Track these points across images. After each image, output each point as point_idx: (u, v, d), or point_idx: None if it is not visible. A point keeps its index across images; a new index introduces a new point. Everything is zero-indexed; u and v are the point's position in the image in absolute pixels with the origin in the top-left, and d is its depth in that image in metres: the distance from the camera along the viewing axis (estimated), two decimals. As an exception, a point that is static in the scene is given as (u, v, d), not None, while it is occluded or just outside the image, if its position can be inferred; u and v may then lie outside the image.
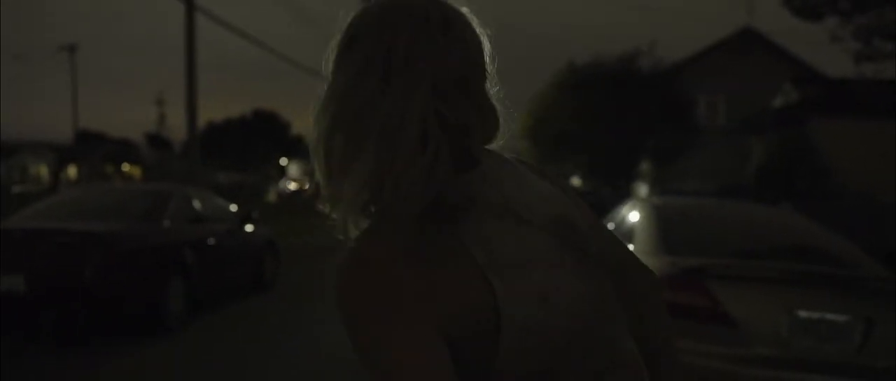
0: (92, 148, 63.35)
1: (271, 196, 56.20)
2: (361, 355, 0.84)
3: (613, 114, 19.28)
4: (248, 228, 8.41)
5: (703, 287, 3.40)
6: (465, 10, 0.95)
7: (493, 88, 0.97)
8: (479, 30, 0.95)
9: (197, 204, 7.39)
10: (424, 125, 0.84)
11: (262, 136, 63.31)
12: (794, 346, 3.25)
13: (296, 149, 64.33)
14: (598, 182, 22.40)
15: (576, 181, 27.64)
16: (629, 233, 4.66)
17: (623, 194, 14.18)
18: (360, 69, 0.87)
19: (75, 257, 5.54)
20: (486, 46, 0.96)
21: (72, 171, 63.49)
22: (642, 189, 22.29)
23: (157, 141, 69.21)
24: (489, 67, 0.96)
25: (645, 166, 22.47)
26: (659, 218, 4.39)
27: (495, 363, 0.86)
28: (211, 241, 7.26)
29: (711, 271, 3.47)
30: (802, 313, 3.28)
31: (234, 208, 8.64)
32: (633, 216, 4.84)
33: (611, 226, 5.53)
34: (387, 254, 0.86)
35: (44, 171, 72.96)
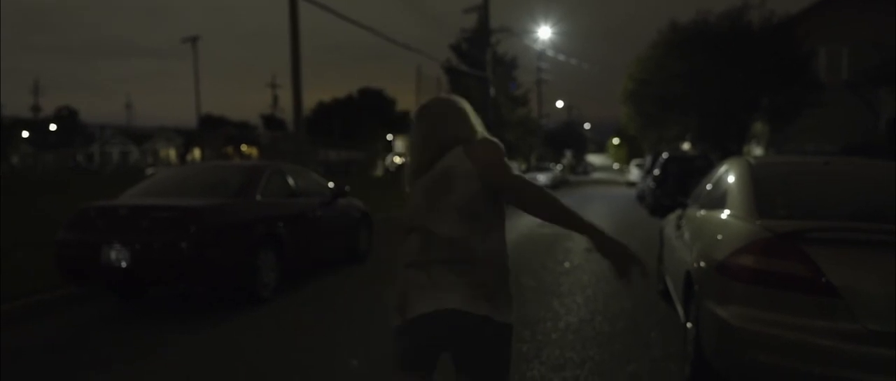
0: (214, 131, 67.22)
1: (379, 171, 57.55)
2: None
3: (722, 73, 18.05)
4: (343, 201, 8.54)
5: (801, 254, 3.02)
6: (437, 104, 2.22)
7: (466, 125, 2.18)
8: (438, 111, 2.19)
9: (290, 179, 7.55)
10: (419, 142, 2.17)
11: (369, 113, 64.71)
12: (913, 320, 2.83)
13: (401, 125, 65.32)
14: (707, 146, 21.17)
15: (685, 146, 26.33)
16: (723, 195, 4.27)
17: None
18: (412, 125, 2.24)
19: (173, 230, 5.80)
20: (455, 116, 2.18)
21: (197, 152, 67.74)
22: (756, 152, 20.88)
23: (272, 122, 72.40)
24: (471, 120, 2.19)
25: (759, 127, 20.96)
26: (754, 178, 3.97)
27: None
28: (303, 214, 7.43)
29: (811, 235, 3.08)
30: (923, 283, 2.84)
31: (331, 183, 8.78)
32: (729, 177, 4.43)
33: (708, 187, 5.13)
34: (407, 187, 2.21)
35: (173, 154, 78.37)
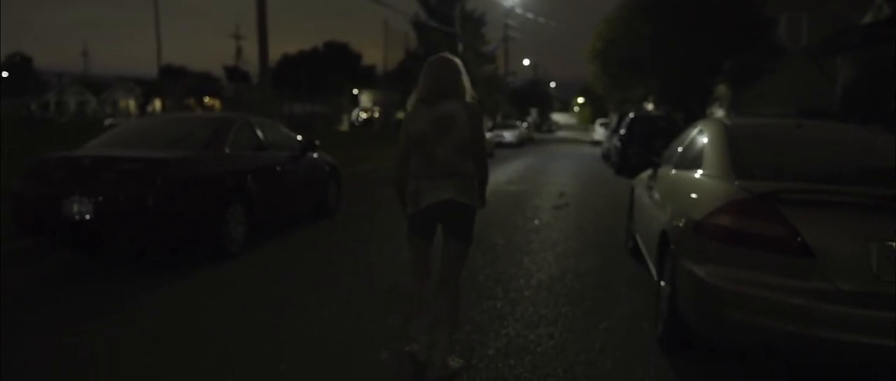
0: (175, 82, 65.37)
1: (344, 125, 56.86)
2: None
3: (686, 36, 18.17)
4: (312, 156, 8.40)
5: (777, 214, 3.06)
6: (442, 59, 3.56)
7: (464, 81, 3.50)
8: (440, 67, 3.51)
9: (259, 132, 7.38)
10: (429, 83, 3.49)
11: (335, 67, 63.68)
12: (885, 281, 2.89)
13: (367, 79, 64.38)
14: (670, 107, 21.40)
15: (649, 106, 26.57)
16: (698, 156, 4.30)
17: (696, 119, 13.45)
18: (424, 68, 3.57)
19: (139, 182, 5.63)
20: (452, 70, 3.48)
21: (157, 103, 65.82)
22: (718, 113, 21.20)
23: (235, 74, 70.65)
24: (463, 77, 3.50)
25: (721, 90, 21.25)
26: (730, 139, 4.00)
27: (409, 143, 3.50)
28: (272, 168, 7.29)
29: (787, 196, 3.12)
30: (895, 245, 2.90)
31: (299, 137, 8.61)
32: (703, 138, 4.46)
33: (679, 149, 5.17)
34: (408, 112, 3.55)
35: (132, 105, 76.07)
